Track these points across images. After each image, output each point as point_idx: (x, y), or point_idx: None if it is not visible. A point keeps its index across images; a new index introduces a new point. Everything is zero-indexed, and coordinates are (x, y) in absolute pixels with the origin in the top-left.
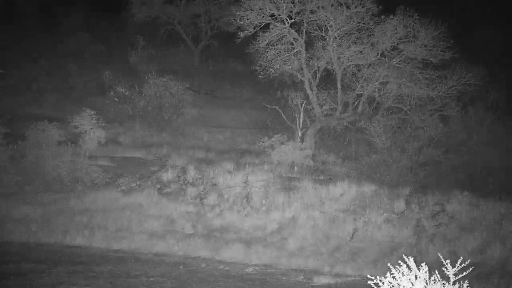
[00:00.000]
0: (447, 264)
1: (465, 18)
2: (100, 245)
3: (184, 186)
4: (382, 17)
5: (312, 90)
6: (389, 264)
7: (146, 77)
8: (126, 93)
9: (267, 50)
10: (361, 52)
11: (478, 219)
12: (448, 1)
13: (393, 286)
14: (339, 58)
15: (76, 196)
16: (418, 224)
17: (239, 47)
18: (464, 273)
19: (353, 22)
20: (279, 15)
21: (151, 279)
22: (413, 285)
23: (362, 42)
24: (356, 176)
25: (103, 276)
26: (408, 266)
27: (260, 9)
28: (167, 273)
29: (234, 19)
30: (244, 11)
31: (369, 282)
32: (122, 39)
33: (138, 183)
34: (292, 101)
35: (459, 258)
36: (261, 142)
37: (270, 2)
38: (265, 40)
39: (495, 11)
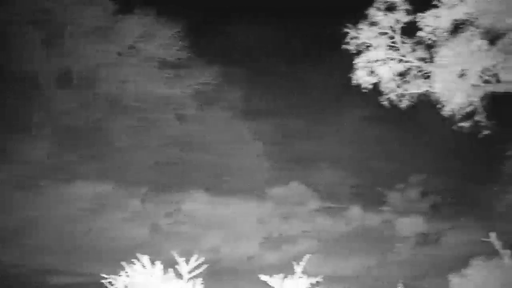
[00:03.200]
0: (181, 262)
1: (204, 17)
2: None
3: None
4: (120, 16)
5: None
6: (124, 263)
7: None
8: None
9: None
10: (99, 51)
11: (214, 218)
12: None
13: (128, 284)
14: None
15: None
16: (154, 223)
17: None
18: (198, 271)
19: (91, 20)
20: None
21: None
22: (148, 283)
23: (100, 40)
24: (95, 175)
25: None
26: (143, 264)
27: None
28: None
29: None
30: None
31: (103, 281)
32: None
33: None
34: None
35: (194, 256)
36: None
37: None
38: None
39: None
